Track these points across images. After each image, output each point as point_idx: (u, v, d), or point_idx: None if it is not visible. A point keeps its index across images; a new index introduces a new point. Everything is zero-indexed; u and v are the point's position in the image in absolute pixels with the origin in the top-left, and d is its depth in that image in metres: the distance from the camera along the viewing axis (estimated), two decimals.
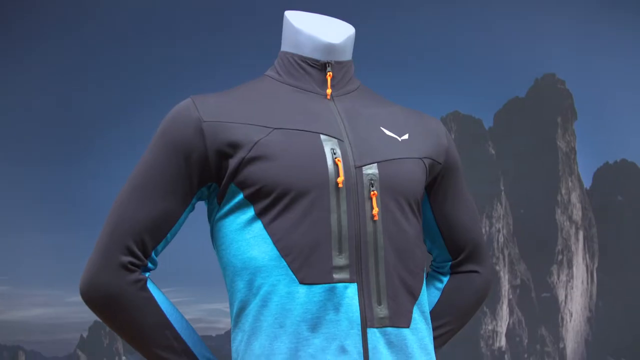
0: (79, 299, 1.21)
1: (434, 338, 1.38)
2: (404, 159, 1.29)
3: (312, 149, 1.22)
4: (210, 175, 1.23)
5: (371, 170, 1.24)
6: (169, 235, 1.25)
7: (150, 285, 1.23)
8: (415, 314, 1.24)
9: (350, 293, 1.17)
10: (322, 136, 1.24)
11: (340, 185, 1.20)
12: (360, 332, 1.17)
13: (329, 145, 1.23)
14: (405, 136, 1.34)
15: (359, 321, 1.17)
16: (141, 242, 1.21)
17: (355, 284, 1.18)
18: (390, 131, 1.33)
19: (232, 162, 1.21)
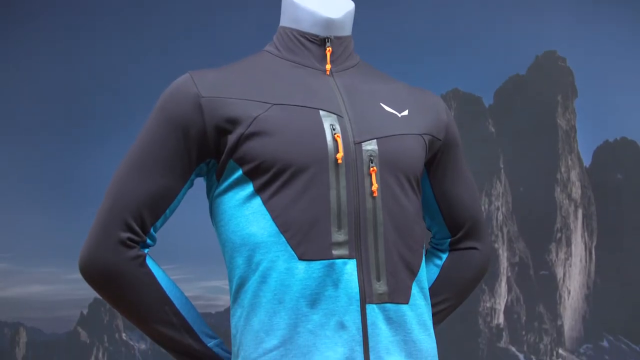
0: (79, 276, 1.21)
1: (433, 314, 1.39)
2: (404, 135, 1.29)
3: (311, 125, 1.21)
4: (209, 151, 1.23)
5: (370, 146, 1.24)
6: (167, 211, 1.24)
7: (149, 262, 1.24)
8: (414, 290, 1.24)
9: (350, 269, 1.18)
10: (321, 112, 1.24)
11: (339, 161, 1.20)
12: (359, 308, 1.17)
13: (328, 121, 1.23)
14: (405, 112, 1.33)
15: (357, 297, 1.17)
16: (140, 218, 1.21)
17: (355, 260, 1.18)
18: (390, 107, 1.32)
19: (231, 138, 1.20)
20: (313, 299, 1.15)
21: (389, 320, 1.19)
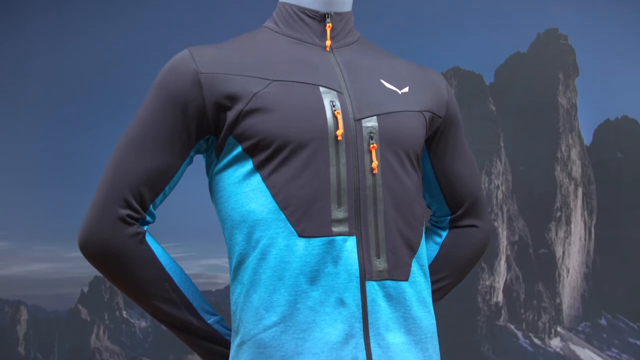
0: (80, 254, 1.21)
1: (432, 292, 1.39)
2: (404, 112, 1.28)
3: (311, 101, 1.21)
4: (208, 127, 1.22)
5: (371, 123, 1.23)
6: (167, 188, 1.24)
7: (149, 239, 1.24)
8: (414, 268, 1.24)
9: (349, 246, 1.18)
10: (321, 88, 1.23)
11: (339, 138, 1.19)
12: (358, 285, 1.17)
13: (328, 98, 1.22)
14: (406, 89, 1.33)
15: (357, 274, 1.17)
16: (139, 195, 1.21)
17: (354, 237, 1.18)
18: (390, 84, 1.32)
19: (230, 115, 1.20)
20: (313, 276, 1.16)
21: (388, 297, 1.20)
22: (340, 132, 1.19)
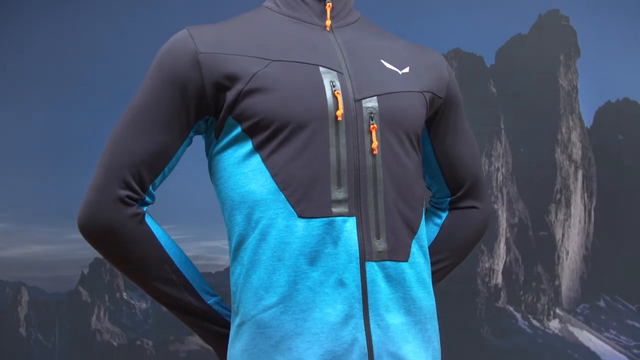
0: (80, 236, 1.21)
1: (432, 273, 1.39)
2: (404, 92, 1.28)
3: (311, 82, 1.20)
4: (208, 108, 1.22)
5: (371, 103, 1.23)
6: (166, 169, 1.24)
7: (148, 220, 1.24)
8: (414, 249, 1.24)
9: (349, 227, 1.18)
10: (321, 68, 1.23)
11: (339, 118, 1.19)
12: (358, 266, 1.17)
13: (328, 78, 1.22)
14: (406, 69, 1.32)
15: (357, 255, 1.17)
16: (138, 175, 1.20)
17: (354, 217, 1.18)
18: (391, 64, 1.31)
19: (230, 95, 1.19)
20: (312, 257, 1.16)
21: (388, 277, 1.20)
22: (340, 112, 1.19)
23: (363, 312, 1.17)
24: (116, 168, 1.20)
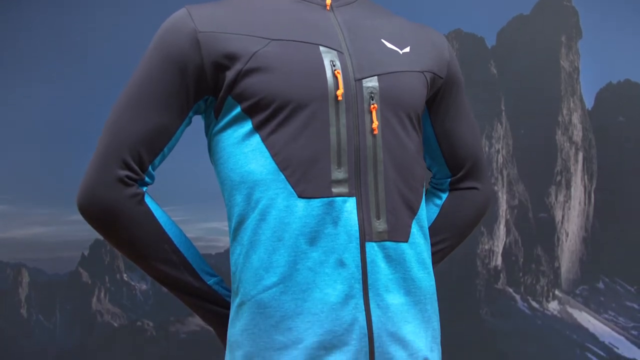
0: (80, 217, 1.21)
1: (432, 254, 1.39)
2: (405, 72, 1.27)
3: (311, 61, 1.19)
4: (207, 87, 1.21)
5: (371, 83, 1.22)
6: (165, 149, 1.24)
7: (148, 200, 1.23)
8: (414, 229, 1.24)
9: (349, 207, 1.18)
10: (321, 47, 1.22)
11: (339, 98, 1.18)
12: (358, 246, 1.17)
13: (328, 57, 1.21)
14: (407, 49, 1.32)
15: (357, 235, 1.17)
16: (137, 155, 1.20)
17: (354, 198, 1.18)
18: (392, 43, 1.30)
19: (229, 74, 1.19)
20: (312, 237, 1.16)
21: (388, 258, 1.20)
22: (340, 92, 1.18)
23: (363, 292, 1.17)
24: (115, 148, 1.20)
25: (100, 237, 2.26)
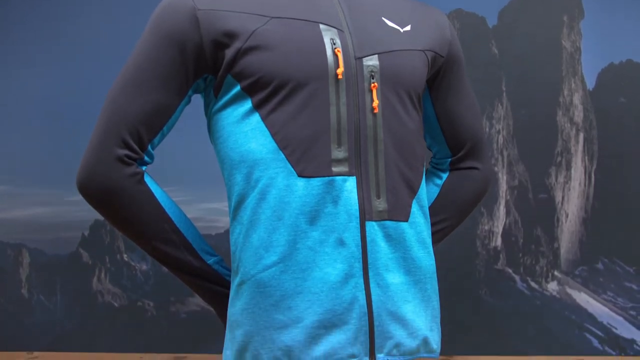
0: (80, 198, 1.21)
1: (432, 234, 1.39)
2: (406, 51, 1.26)
3: (311, 39, 1.18)
4: (206, 66, 1.20)
5: (372, 61, 1.21)
6: (165, 128, 1.23)
7: (147, 179, 1.23)
8: (414, 208, 1.24)
9: (349, 186, 1.17)
10: (321, 25, 1.21)
11: (339, 76, 1.18)
12: (358, 225, 1.17)
13: (328, 35, 1.20)
14: (408, 27, 1.30)
15: (357, 214, 1.17)
16: (137, 134, 1.19)
17: (354, 177, 1.18)
18: (392, 22, 1.29)
19: (229, 53, 1.18)
20: (312, 216, 1.15)
21: (388, 237, 1.20)
22: (340, 70, 1.17)
23: (363, 271, 1.17)
24: (114, 127, 1.19)
25: (101, 218, 2.26)
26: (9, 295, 2.33)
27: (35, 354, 2.23)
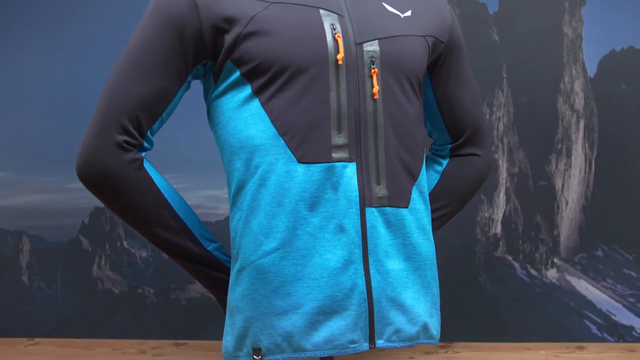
0: (80, 185, 1.21)
1: (432, 220, 1.39)
2: (406, 36, 1.26)
3: (310, 24, 1.18)
4: (206, 51, 1.20)
5: (372, 47, 1.21)
6: (164, 114, 1.23)
7: (147, 165, 1.23)
8: (414, 195, 1.24)
9: (349, 172, 1.17)
10: (321, 11, 1.20)
11: (340, 62, 1.17)
12: (358, 212, 1.17)
13: (328, 21, 1.19)
14: (408, 13, 1.30)
15: (357, 200, 1.17)
16: (136, 120, 1.19)
17: (354, 163, 1.18)
18: (393, 7, 1.29)
19: (228, 38, 1.17)
20: (312, 202, 1.15)
21: (388, 223, 1.20)
22: (340, 56, 1.17)
23: (363, 257, 1.17)
24: (113, 113, 1.19)
25: (101, 205, 2.26)
26: (9, 282, 2.33)
27: (36, 340, 2.24)
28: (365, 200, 1.18)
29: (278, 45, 1.15)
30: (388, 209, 1.20)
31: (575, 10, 2.33)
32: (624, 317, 2.24)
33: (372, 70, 1.20)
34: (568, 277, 2.28)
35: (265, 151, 1.17)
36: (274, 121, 1.17)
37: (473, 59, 2.04)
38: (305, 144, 1.16)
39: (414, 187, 1.25)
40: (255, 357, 1.17)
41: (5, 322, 2.31)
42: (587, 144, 2.29)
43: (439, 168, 1.45)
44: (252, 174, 1.18)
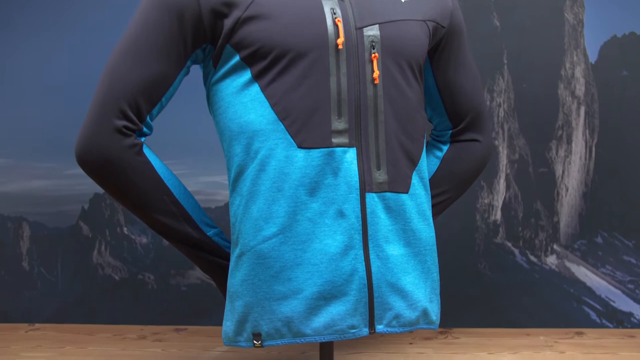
0: (80, 171, 1.20)
1: (432, 206, 1.39)
2: (407, 21, 1.25)
3: (311, 9, 1.17)
4: (205, 36, 1.19)
5: (372, 31, 1.20)
6: (163, 99, 1.22)
7: (146, 151, 1.22)
8: (414, 180, 1.24)
9: (349, 157, 1.17)
10: None
11: (340, 46, 1.16)
12: (358, 197, 1.17)
13: (328, 5, 1.19)
14: None
15: (357, 186, 1.17)
16: (135, 105, 1.19)
17: (354, 148, 1.17)
18: None
19: (227, 22, 1.16)
20: (312, 187, 1.15)
21: (388, 209, 1.19)
22: (340, 40, 1.16)
23: (363, 243, 1.17)
24: (112, 98, 1.18)
25: (101, 191, 2.25)
26: (10, 268, 2.34)
27: (37, 325, 2.24)
28: (366, 186, 1.18)
29: (278, 29, 1.15)
30: (388, 194, 1.20)
31: None
32: (623, 303, 2.25)
33: (373, 55, 1.19)
34: (567, 264, 2.28)
35: (265, 136, 1.16)
36: (273, 106, 1.16)
37: (474, 45, 2.03)
38: (305, 129, 1.15)
39: (414, 173, 1.24)
40: (255, 342, 1.18)
41: (6, 308, 2.32)
42: (587, 131, 2.29)
43: (440, 154, 1.45)
44: (251, 159, 1.18)
